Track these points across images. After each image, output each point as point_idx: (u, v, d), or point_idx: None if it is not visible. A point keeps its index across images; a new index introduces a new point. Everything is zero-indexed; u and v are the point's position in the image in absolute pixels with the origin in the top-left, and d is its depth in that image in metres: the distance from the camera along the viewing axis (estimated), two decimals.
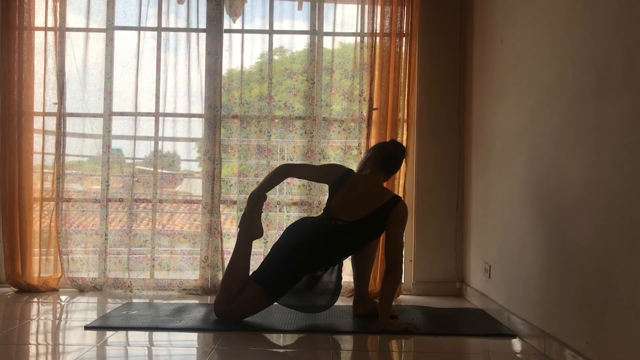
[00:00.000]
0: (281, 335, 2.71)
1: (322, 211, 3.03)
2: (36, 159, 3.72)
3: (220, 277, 3.60)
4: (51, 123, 3.73)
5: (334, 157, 3.76)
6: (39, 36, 3.74)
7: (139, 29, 3.76)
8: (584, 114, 2.13)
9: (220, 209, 3.71)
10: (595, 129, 2.04)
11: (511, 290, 2.86)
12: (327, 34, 3.79)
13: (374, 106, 3.71)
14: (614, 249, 1.90)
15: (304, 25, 3.83)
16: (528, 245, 2.64)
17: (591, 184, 2.06)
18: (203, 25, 3.77)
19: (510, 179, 2.92)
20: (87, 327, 2.71)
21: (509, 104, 2.97)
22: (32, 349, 2.46)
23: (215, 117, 3.72)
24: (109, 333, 2.63)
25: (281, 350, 2.51)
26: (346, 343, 2.64)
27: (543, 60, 2.54)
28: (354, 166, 3.56)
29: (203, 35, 3.76)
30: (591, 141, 2.07)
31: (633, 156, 1.80)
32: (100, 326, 2.73)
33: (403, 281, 3.75)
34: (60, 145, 3.70)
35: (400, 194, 3.67)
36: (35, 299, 3.43)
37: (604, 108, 1.99)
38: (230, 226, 3.85)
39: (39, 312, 3.14)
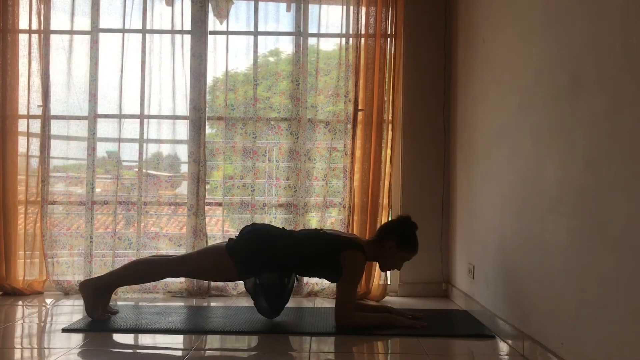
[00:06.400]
0: (262, 335, 2.70)
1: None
2: (21, 162, 3.71)
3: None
4: (36, 126, 3.72)
5: (319, 158, 3.75)
6: (23, 39, 3.73)
7: (123, 31, 3.75)
8: (558, 114, 2.13)
9: (205, 211, 3.70)
10: (568, 128, 2.03)
11: (493, 291, 2.85)
12: (312, 35, 3.79)
13: (360, 107, 3.71)
14: (585, 250, 1.90)
15: (289, 27, 3.83)
16: (507, 246, 2.64)
17: (564, 184, 2.05)
18: (188, 27, 3.76)
19: (491, 179, 2.92)
20: (64, 330, 2.70)
21: (491, 104, 2.96)
22: (17, 353, 2.45)
23: (199, 119, 3.72)
24: (89, 336, 2.63)
25: (259, 353, 2.51)
26: (325, 344, 2.63)
27: (521, 59, 2.53)
28: (340, 163, 3.75)
29: (188, 37, 3.76)
30: (564, 141, 2.06)
31: (602, 156, 1.80)
32: (79, 329, 2.72)
33: (389, 282, 3.75)
34: (45, 147, 3.70)
35: (386, 195, 3.67)
36: (20, 302, 3.42)
37: (576, 108, 1.98)
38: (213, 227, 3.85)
39: (24, 315, 3.13)
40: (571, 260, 1.99)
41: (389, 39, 3.73)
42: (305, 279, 3.68)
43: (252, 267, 2.85)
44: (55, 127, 3.77)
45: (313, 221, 3.74)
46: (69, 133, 3.79)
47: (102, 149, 3.83)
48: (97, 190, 3.78)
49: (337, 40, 3.78)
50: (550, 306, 2.16)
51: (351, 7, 3.73)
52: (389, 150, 3.71)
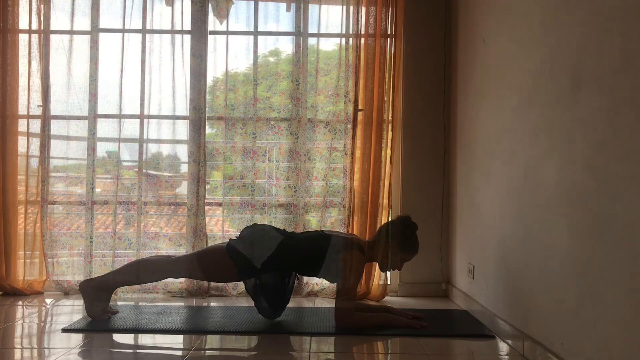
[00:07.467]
0: (262, 335, 2.70)
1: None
2: (21, 162, 3.71)
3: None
4: (36, 126, 3.72)
5: (319, 158, 3.75)
6: (23, 39, 3.73)
7: (123, 31, 3.75)
8: (559, 114, 2.13)
9: (205, 211, 3.70)
10: (569, 128, 2.03)
11: (493, 291, 2.85)
12: (312, 35, 3.79)
13: (360, 107, 3.71)
14: (586, 250, 1.90)
15: (289, 27, 3.83)
16: (508, 246, 2.64)
17: (565, 184, 2.05)
18: (188, 27, 3.76)
19: (491, 179, 2.92)
20: (64, 330, 2.70)
21: (491, 104, 2.96)
22: (17, 353, 2.45)
23: (199, 119, 3.72)
24: (89, 336, 2.63)
25: (259, 353, 2.50)
26: (325, 344, 2.63)
27: (521, 60, 2.53)
28: (340, 163, 3.74)
29: (188, 37, 3.76)
30: (565, 141, 2.06)
31: (603, 157, 1.80)
32: (79, 329, 2.72)
33: (389, 282, 3.75)
34: (44, 147, 3.70)
35: (386, 195, 3.67)
36: (20, 302, 3.42)
37: (577, 108, 1.98)
38: (214, 227, 3.85)
39: (24, 315, 3.13)
40: (572, 260, 1.99)
41: (389, 39, 3.72)
42: (305, 279, 3.68)
43: (252, 268, 2.85)
44: (55, 127, 3.77)
45: (313, 221, 3.74)
46: (69, 133, 3.78)
47: (102, 149, 3.83)
48: (97, 190, 3.78)
49: (337, 40, 3.78)
50: (550, 306, 2.16)
51: (351, 7, 3.72)
52: (389, 150, 3.71)
